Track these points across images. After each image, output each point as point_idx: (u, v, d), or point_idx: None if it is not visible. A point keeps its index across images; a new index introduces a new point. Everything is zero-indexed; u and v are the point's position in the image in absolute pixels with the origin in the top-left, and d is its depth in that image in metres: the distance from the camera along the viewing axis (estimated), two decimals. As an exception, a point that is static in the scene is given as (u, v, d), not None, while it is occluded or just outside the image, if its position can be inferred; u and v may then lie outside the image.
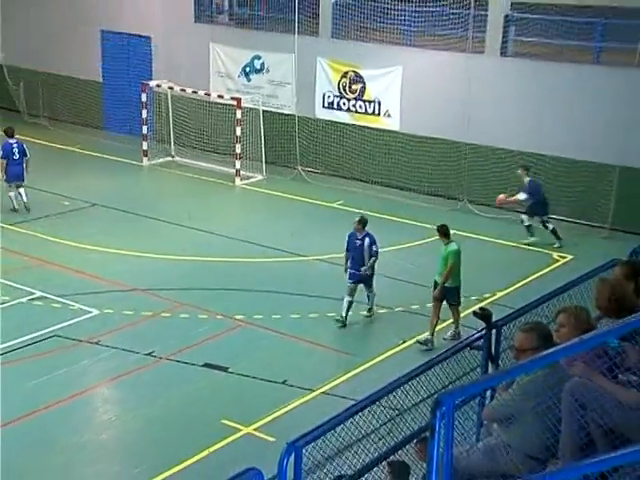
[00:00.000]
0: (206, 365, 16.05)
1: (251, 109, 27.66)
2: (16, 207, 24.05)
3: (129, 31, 30.76)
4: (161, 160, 28.80)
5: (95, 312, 18.01)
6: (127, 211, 24.22)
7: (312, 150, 27.59)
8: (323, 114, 27.62)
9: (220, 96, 28.05)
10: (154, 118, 29.29)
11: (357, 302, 17.85)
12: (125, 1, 30.74)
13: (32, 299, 18.49)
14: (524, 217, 22.98)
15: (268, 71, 28.37)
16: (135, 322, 17.72)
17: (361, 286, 17.81)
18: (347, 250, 17.87)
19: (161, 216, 23.88)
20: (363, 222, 17.80)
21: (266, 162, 27.40)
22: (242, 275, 20.06)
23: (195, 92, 28.25)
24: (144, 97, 28.73)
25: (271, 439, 13.54)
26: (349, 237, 17.87)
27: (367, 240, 17.56)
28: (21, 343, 16.60)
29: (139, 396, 15.38)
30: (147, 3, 30.13)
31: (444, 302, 17.12)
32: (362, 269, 17.45)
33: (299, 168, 27.29)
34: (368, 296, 17.94)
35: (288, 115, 27.88)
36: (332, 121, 27.45)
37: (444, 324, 17.49)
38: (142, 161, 28.67)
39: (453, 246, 17.18)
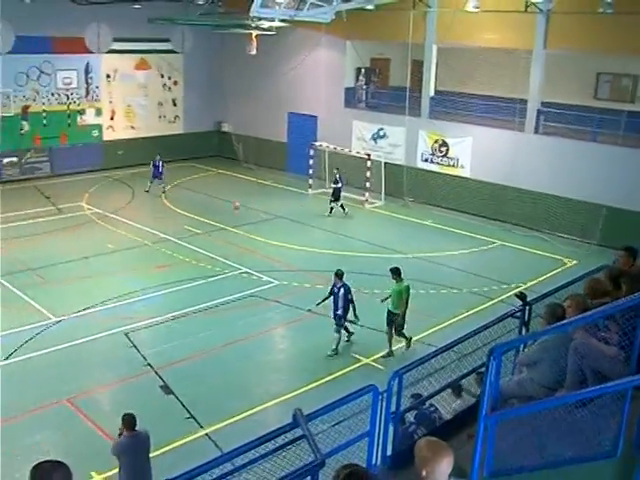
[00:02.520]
0: (342, 319, 16.21)
1: (376, 160, 27.58)
2: (148, 190, 27.03)
3: (304, 112, 31.09)
4: (319, 190, 28.86)
5: (276, 282, 18.35)
6: (297, 221, 24.48)
7: (414, 187, 27.29)
8: (421, 165, 27.25)
9: (358, 152, 28.04)
10: (316, 164, 29.53)
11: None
12: (302, 96, 31.06)
13: (241, 273, 18.99)
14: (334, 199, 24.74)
15: (388, 137, 28.18)
16: (299, 290, 17.97)
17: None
18: (331, 294, 14.68)
19: (317, 225, 24.07)
20: (339, 274, 14.52)
21: (385, 194, 27.30)
22: (366, 264, 20.05)
23: (342, 149, 28.32)
24: (311, 152, 28.96)
25: (382, 368, 13.67)
26: (332, 286, 14.65)
27: (342, 290, 14.40)
28: (234, 299, 17.16)
29: (300, 335, 15.73)
30: (315, 97, 30.42)
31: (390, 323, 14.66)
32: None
33: (405, 198, 27.09)
34: (336, 336, 14.53)
35: (400, 165, 27.67)
36: (427, 170, 27.06)
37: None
38: (308, 191, 28.85)
39: (406, 283, 14.52)
